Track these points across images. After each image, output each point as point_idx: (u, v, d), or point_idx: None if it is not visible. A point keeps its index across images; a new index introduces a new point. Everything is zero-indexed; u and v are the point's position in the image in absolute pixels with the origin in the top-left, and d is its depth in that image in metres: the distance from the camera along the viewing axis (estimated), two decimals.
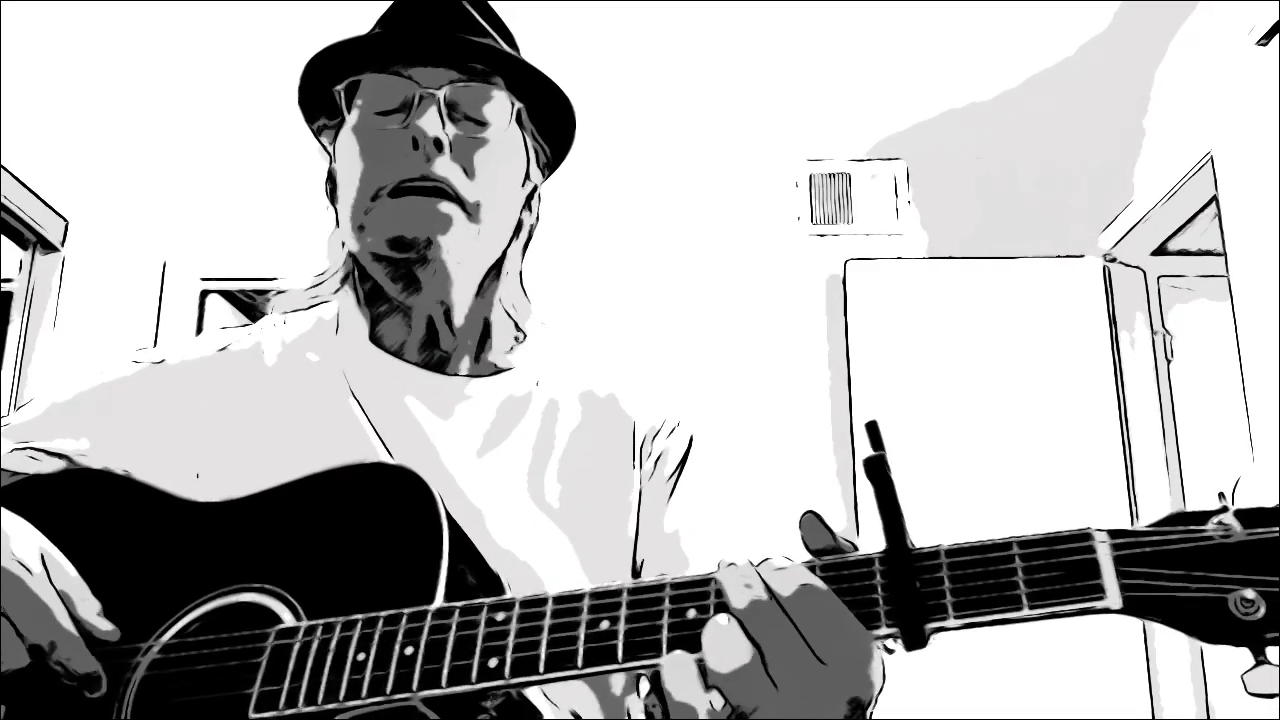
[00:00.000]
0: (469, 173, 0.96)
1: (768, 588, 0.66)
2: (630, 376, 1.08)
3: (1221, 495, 0.64)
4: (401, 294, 0.99)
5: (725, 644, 0.65)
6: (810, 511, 0.70)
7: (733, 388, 3.52)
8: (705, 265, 3.74)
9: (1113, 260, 3.60)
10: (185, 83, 3.37)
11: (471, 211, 0.96)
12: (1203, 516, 0.64)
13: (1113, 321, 3.54)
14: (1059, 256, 3.60)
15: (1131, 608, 0.63)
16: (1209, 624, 0.61)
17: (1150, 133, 3.36)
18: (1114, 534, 0.65)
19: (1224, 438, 3.21)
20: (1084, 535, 0.65)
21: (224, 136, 3.63)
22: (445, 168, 0.95)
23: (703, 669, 0.65)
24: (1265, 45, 2.68)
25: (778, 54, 3.30)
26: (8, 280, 3.44)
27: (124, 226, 3.61)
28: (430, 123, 0.94)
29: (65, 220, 3.38)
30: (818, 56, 3.31)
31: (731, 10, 3.09)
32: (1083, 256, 3.61)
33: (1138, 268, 3.59)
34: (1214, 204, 2.98)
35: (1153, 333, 3.55)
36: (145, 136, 3.58)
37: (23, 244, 3.35)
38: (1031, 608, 0.64)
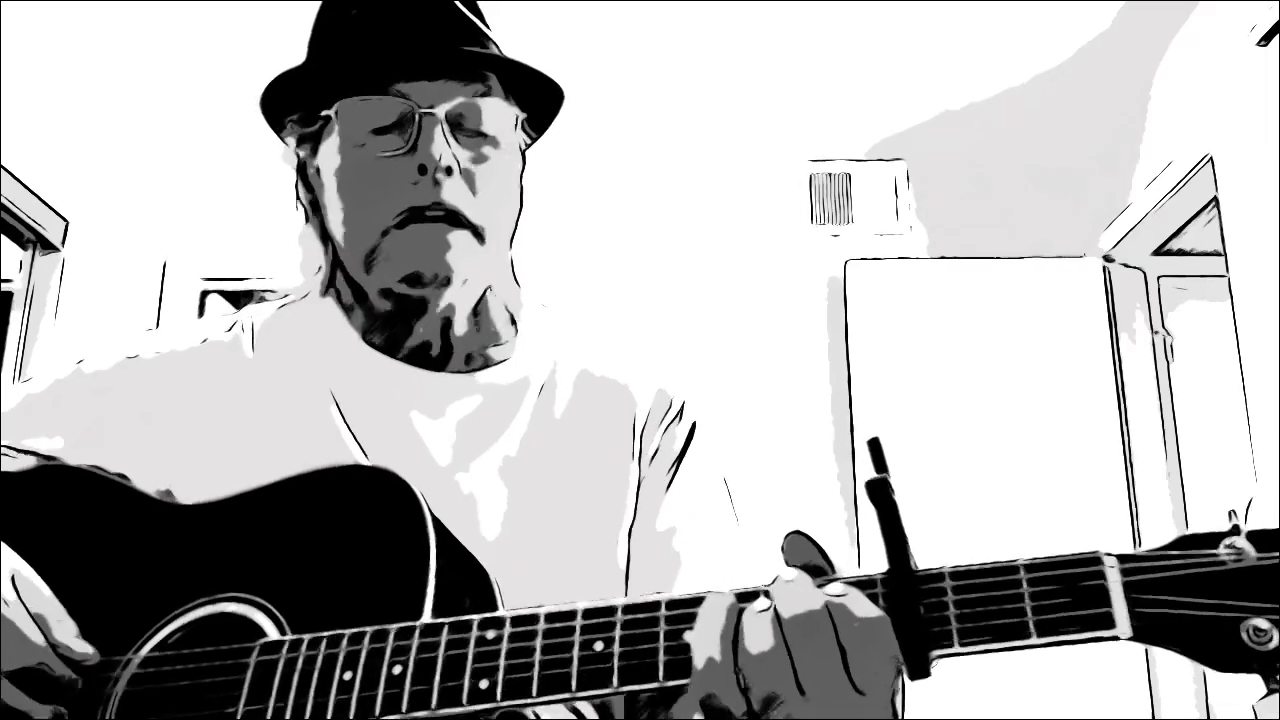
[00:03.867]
0: (476, 193, 0.93)
1: (829, 613, 0.64)
2: (631, 364, 1.05)
3: (1232, 514, 0.62)
4: (404, 317, 0.96)
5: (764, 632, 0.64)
6: (796, 531, 0.69)
7: (732, 387, 3.52)
8: (705, 265, 3.73)
9: (1112, 260, 3.60)
10: (185, 83, 3.36)
11: (481, 235, 0.93)
12: (1213, 539, 0.62)
13: (1113, 322, 3.54)
14: (1059, 256, 3.60)
15: (1141, 636, 0.61)
16: (1220, 652, 0.60)
17: (1150, 133, 3.36)
18: (1123, 559, 0.63)
19: (1224, 438, 3.21)
20: (1093, 559, 0.63)
21: (224, 136, 3.62)
22: (455, 193, 0.91)
23: (735, 640, 0.64)
24: (1265, 45, 2.68)
25: (778, 55, 3.30)
26: (8, 280, 3.44)
27: (124, 226, 3.61)
28: (439, 148, 0.90)
29: (65, 220, 3.38)
30: (818, 57, 3.31)
31: (733, 11, 3.09)
32: (1083, 256, 3.61)
33: (1138, 268, 3.59)
34: (1214, 204, 2.98)
35: (1153, 333, 3.54)
36: (145, 136, 3.58)
37: (23, 244, 3.34)
38: (1039, 635, 0.62)
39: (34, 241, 3.33)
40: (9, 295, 3.39)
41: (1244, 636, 0.59)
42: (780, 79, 3.40)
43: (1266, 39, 2.66)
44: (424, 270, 0.91)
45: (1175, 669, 3.21)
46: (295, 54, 1.02)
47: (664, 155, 3.73)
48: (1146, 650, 3.20)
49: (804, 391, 3.62)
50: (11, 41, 3.00)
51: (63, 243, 3.38)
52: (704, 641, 0.65)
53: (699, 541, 0.96)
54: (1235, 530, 0.62)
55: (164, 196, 3.72)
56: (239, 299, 3.82)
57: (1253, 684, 0.61)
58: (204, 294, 3.82)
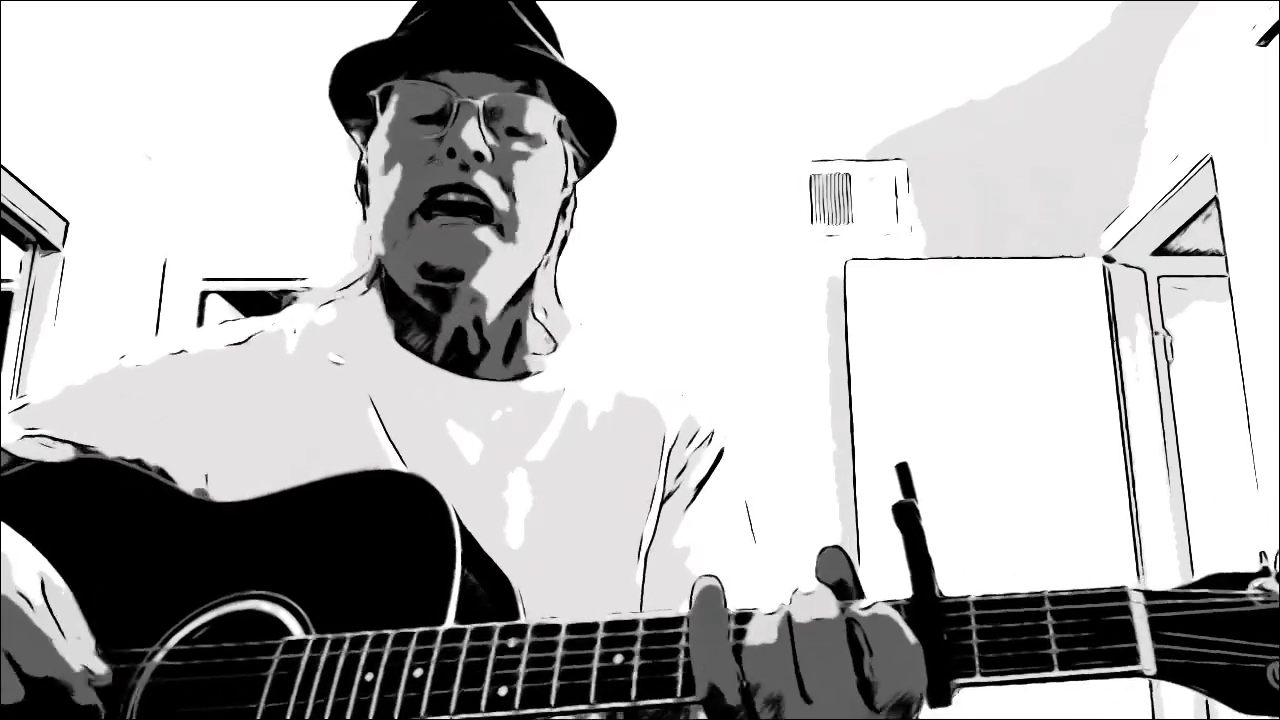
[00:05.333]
0: (507, 186, 0.94)
1: (863, 632, 0.63)
2: (666, 386, 1.06)
3: (1263, 555, 0.62)
4: (432, 309, 0.97)
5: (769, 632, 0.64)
6: (834, 546, 0.68)
7: (732, 387, 3.52)
8: (705, 265, 3.74)
9: (1112, 260, 3.60)
10: (185, 83, 3.36)
11: (508, 230, 0.94)
12: (1243, 579, 0.62)
13: (1113, 322, 3.54)
14: (1059, 256, 3.60)
15: (1165, 673, 0.61)
16: (1245, 694, 0.60)
17: (1150, 133, 3.36)
18: (1150, 595, 0.63)
19: (1224, 438, 3.21)
20: (1120, 594, 0.63)
21: (224, 136, 3.63)
22: (483, 179, 0.93)
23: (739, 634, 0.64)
24: (1265, 45, 2.68)
25: (778, 55, 3.30)
26: (8, 280, 3.44)
27: (124, 226, 3.61)
28: (471, 135, 0.92)
29: (65, 220, 3.38)
30: (818, 58, 3.31)
31: (733, 12, 3.09)
32: (1083, 256, 3.61)
33: (1138, 268, 3.59)
34: (1214, 205, 2.98)
35: (1153, 333, 3.55)
36: (146, 136, 3.58)
37: (23, 244, 3.34)
38: (1061, 668, 0.62)
39: (34, 241, 3.33)
40: (9, 295, 3.38)
41: (1270, 679, 0.59)
42: (780, 79, 3.41)
43: (1266, 39, 2.67)
44: (438, 263, 0.92)
45: None
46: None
47: (664, 155, 3.73)
48: None
49: (804, 391, 3.63)
50: (11, 41, 3.00)
51: (63, 243, 3.38)
52: (701, 632, 0.65)
53: (713, 562, 0.96)
54: (1265, 571, 0.62)
55: (164, 196, 3.72)
56: (239, 299, 3.83)
57: None
58: (204, 294, 3.82)
